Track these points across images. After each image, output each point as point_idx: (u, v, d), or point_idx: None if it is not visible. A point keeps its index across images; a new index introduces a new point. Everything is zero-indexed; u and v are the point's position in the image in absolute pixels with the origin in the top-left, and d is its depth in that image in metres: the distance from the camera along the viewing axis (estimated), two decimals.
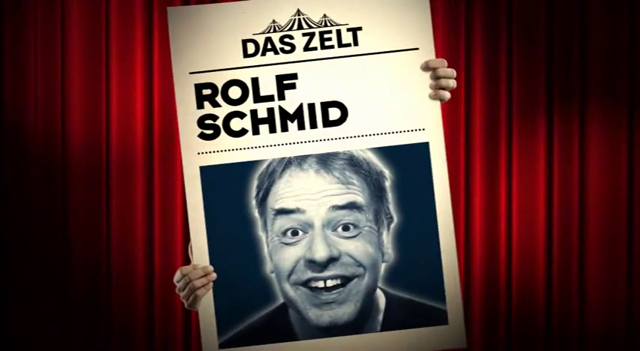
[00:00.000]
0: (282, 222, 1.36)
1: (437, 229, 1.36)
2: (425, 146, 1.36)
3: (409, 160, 1.36)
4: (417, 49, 1.36)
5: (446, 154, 1.36)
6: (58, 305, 2.69)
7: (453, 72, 1.36)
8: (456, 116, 2.55)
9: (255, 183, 1.37)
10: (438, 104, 1.37)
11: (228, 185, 1.38)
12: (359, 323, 1.35)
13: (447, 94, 1.36)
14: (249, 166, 1.37)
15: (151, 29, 2.70)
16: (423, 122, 1.36)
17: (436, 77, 1.36)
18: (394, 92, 1.36)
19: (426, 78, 1.36)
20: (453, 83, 1.36)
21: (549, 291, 2.51)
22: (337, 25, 1.38)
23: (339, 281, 1.35)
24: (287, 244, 1.36)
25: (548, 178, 2.50)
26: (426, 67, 1.36)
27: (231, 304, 1.37)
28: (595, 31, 2.50)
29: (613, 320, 2.50)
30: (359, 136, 1.37)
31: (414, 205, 1.36)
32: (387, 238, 1.36)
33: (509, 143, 2.53)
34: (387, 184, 1.36)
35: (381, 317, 1.35)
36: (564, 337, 2.50)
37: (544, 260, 2.51)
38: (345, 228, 1.35)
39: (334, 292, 1.35)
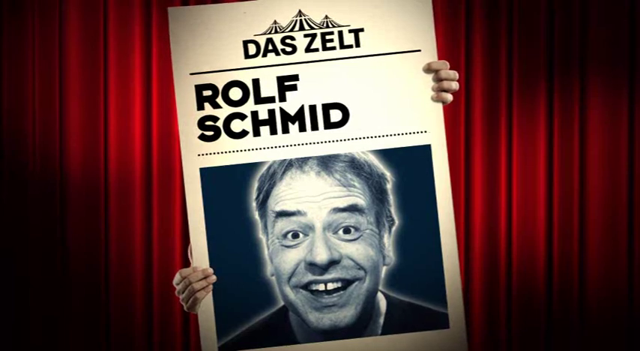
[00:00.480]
0: (283, 224, 1.35)
1: (438, 232, 1.35)
2: (427, 149, 1.35)
3: (411, 163, 1.35)
4: (419, 51, 1.35)
5: (447, 152, 1.35)
6: (57, 310, 2.68)
7: (455, 74, 1.35)
8: (455, 97, 2.51)
9: (255, 185, 1.36)
10: (440, 106, 1.36)
11: (228, 187, 1.37)
12: (359, 326, 1.34)
13: (449, 97, 1.35)
14: (250, 168, 1.36)
15: (150, 31, 2.69)
16: (425, 125, 1.35)
17: (438, 79, 1.35)
18: (396, 94, 1.36)
19: (428, 80, 1.35)
20: (455, 85, 1.35)
21: (550, 270, 2.48)
22: (339, 26, 1.37)
23: (339, 284, 1.34)
24: (287, 246, 1.35)
25: (548, 163, 2.48)
26: (428, 69, 1.35)
27: (231, 307, 1.36)
28: (595, 5, 2.46)
29: (615, 318, 2.48)
30: (360, 138, 1.36)
31: (416, 207, 1.35)
32: (388, 240, 1.35)
33: (510, 126, 2.50)
34: (389, 186, 1.35)
35: (381, 320, 1.34)
36: (565, 325, 2.48)
37: (544, 243, 2.48)
38: (346, 231, 1.34)
39: (335, 295, 1.34)
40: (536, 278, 2.50)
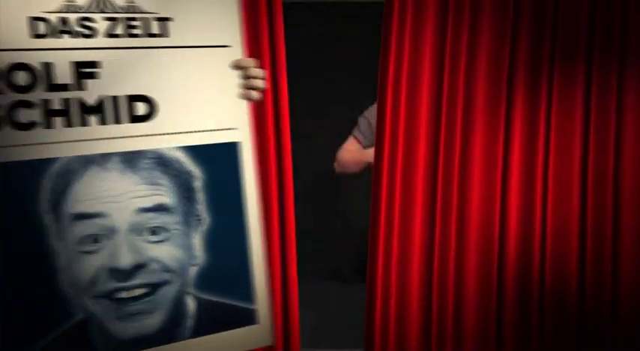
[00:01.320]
0: (81, 228, 1.21)
1: (245, 230, 1.34)
2: (235, 146, 1.33)
3: (220, 160, 1.32)
4: (229, 46, 1.33)
5: (252, 151, 1.34)
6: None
7: (262, 72, 1.36)
8: (497, 88, 2.32)
9: (47, 184, 1.19)
10: (246, 104, 1.35)
11: (12, 187, 1.17)
12: (168, 332, 1.27)
13: (255, 94, 1.36)
14: (41, 165, 1.19)
15: None
16: (234, 121, 1.33)
17: (246, 77, 1.34)
18: (205, 89, 1.31)
19: (235, 77, 1.34)
20: (261, 84, 1.36)
21: (582, 268, 2.40)
22: (145, 12, 1.27)
23: (146, 290, 1.25)
24: (87, 252, 1.21)
25: (583, 161, 2.36)
26: (235, 66, 1.33)
27: (18, 326, 1.17)
28: None
29: None
30: (168, 134, 1.28)
31: (224, 206, 1.32)
32: (197, 240, 1.30)
33: (548, 126, 2.36)
34: (197, 184, 1.30)
35: (191, 323, 1.30)
36: (597, 323, 2.40)
37: (578, 242, 2.36)
38: (153, 232, 1.26)
39: (140, 302, 1.25)
40: (568, 276, 2.39)
